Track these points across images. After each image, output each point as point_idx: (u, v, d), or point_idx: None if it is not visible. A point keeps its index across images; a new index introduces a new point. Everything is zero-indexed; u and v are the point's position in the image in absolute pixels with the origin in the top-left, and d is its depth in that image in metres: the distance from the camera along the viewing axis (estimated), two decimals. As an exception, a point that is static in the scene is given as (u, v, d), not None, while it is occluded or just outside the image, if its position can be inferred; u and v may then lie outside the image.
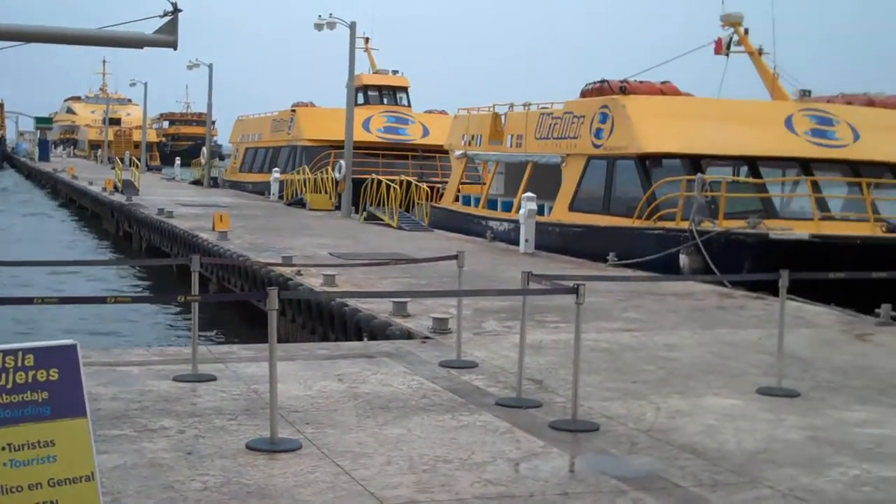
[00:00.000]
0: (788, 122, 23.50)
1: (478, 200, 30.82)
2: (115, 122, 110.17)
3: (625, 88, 24.26)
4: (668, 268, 19.54)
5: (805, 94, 25.07)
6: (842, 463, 7.65)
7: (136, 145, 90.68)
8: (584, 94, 26.47)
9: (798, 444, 8.14)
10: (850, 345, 12.87)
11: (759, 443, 8.11)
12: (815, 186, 21.51)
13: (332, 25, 38.26)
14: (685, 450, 7.86)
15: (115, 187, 46.28)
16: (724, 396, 9.69)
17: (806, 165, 22.75)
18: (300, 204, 38.94)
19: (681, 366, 11.08)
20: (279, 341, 8.13)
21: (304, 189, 39.91)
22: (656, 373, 10.67)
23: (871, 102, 25.28)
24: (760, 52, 26.82)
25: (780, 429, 8.57)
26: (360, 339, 13.48)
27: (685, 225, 20.16)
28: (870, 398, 9.83)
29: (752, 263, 18.22)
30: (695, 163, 22.39)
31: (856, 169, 22.63)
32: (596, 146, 24.38)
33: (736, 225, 19.71)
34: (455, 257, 11.39)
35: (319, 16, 39.04)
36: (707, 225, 19.84)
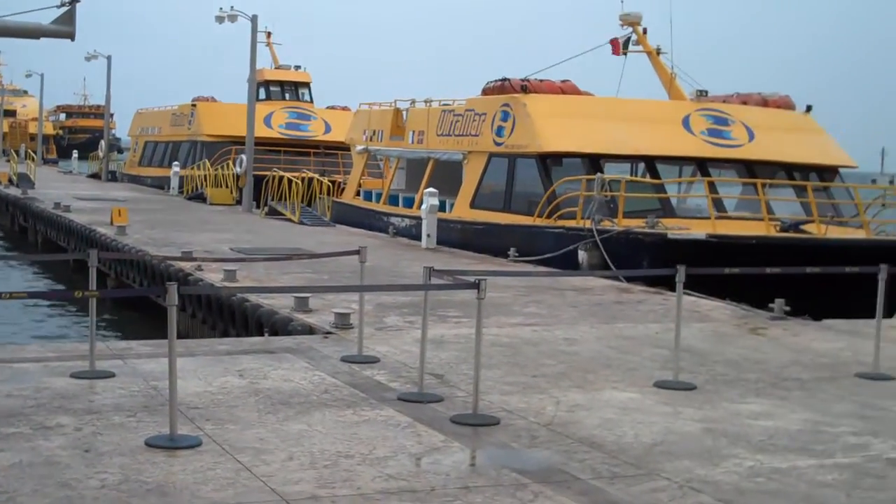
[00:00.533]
0: (685, 122, 23.91)
1: (379, 196, 30.81)
2: (11, 114, 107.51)
3: (526, 87, 24.45)
4: (568, 265, 19.76)
5: (702, 94, 25.52)
6: (737, 454, 7.82)
7: (32, 138, 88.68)
8: (485, 91, 26.61)
9: (694, 436, 8.31)
10: (744, 338, 13.16)
11: (656, 435, 8.26)
12: (712, 186, 21.91)
13: (233, 18, 37.95)
14: (584, 443, 7.97)
15: (11, 181, 45.31)
16: (622, 390, 9.85)
17: (702, 165, 23.18)
18: (200, 199, 38.54)
19: (580, 360, 11.22)
20: (179, 337, 8.05)
21: (204, 184, 39.50)
22: (556, 367, 10.79)
23: (764, 102, 25.84)
24: (658, 51, 27.24)
25: (676, 421, 8.73)
26: (261, 334, 13.40)
27: (586, 224, 20.41)
28: (763, 390, 10.07)
29: (650, 262, 18.50)
30: (594, 162, 22.67)
31: (750, 168, 23.12)
32: (497, 144, 24.54)
33: (635, 224, 20.01)
34: (357, 252, 11.38)
35: (220, 8, 38.69)
36: (607, 224, 20.12)
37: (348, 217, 30.93)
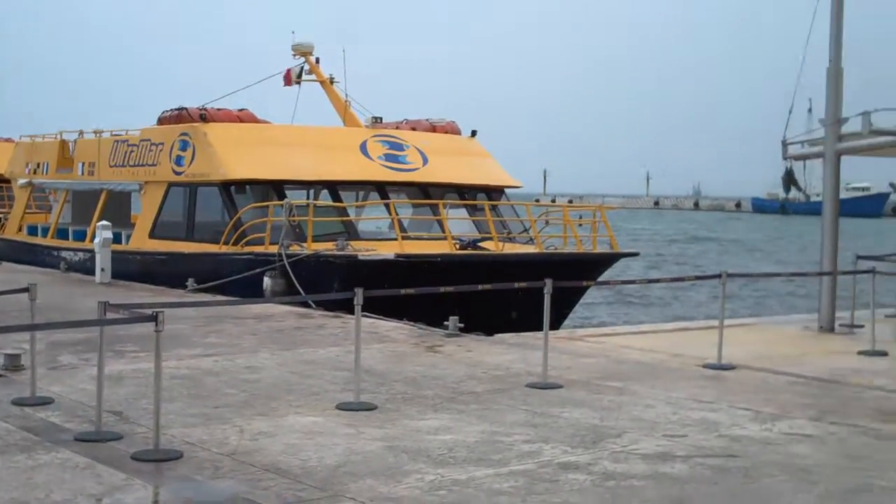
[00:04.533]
0: (363, 148, 24.37)
1: (46, 230, 29.60)
2: None
3: (204, 116, 24.23)
4: (256, 292, 19.75)
5: (377, 120, 26.12)
6: (418, 469, 8.04)
7: None
8: (161, 120, 26.11)
9: (376, 454, 8.48)
10: (421, 356, 13.54)
11: (339, 457, 8.38)
12: (393, 208, 22.45)
13: None
14: (269, 470, 7.98)
15: None
16: (305, 414, 9.92)
17: (381, 188, 23.71)
18: None
19: (263, 387, 11.22)
20: None
21: None
22: (238, 396, 10.74)
23: (433, 128, 26.74)
24: (332, 80, 27.68)
25: (359, 441, 8.89)
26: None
27: (274, 249, 20.44)
28: (441, 406, 10.41)
29: (341, 284, 18.73)
30: (278, 188, 22.74)
31: (425, 190, 23.85)
32: (177, 173, 24.16)
33: (323, 247, 20.22)
34: (26, 290, 10.91)
35: None
36: (296, 248, 20.22)
37: (13, 253, 29.53)
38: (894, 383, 12.57)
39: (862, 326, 17.11)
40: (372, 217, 25.58)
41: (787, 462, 8.50)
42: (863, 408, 10.97)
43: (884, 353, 14.77)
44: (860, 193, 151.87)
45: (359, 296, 10.37)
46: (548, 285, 11.92)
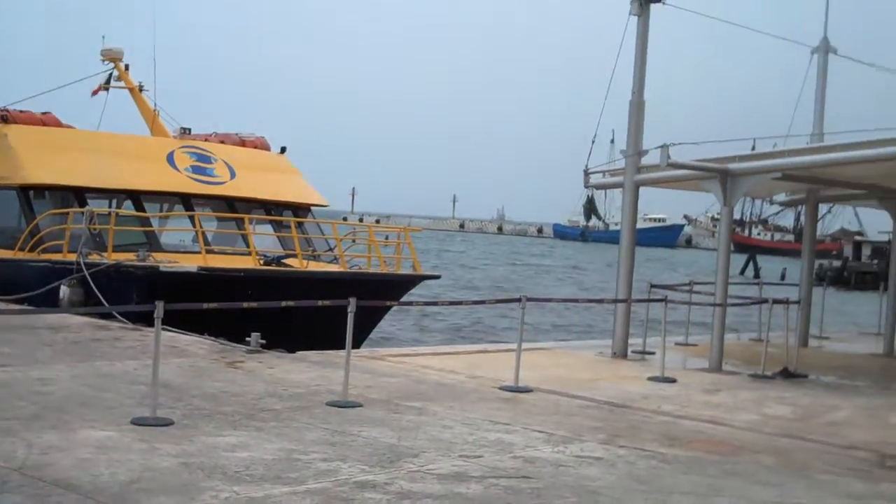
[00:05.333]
0: (170, 158, 23.94)
1: None
2: None
3: (6, 117, 23.44)
4: (53, 301, 19.13)
5: (185, 131, 25.70)
6: (213, 487, 7.95)
7: None
8: (-40, 120, 25.04)
9: (171, 471, 8.34)
10: (221, 372, 13.39)
11: (133, 473, 8.20)
12: (198, 221, 22.13)
13: None
14: (59, 485, 7.75)
15: None
16: (98, 429, 9.67)
17: (186, 200, 23.33)
18: None
19: (55, 400, 10.88)
20: None
21: None
22: (29, 408, 10.39)
23: (242, 142, 26.52)
24: (141, 88, 27.13)
25: (154, 457, 8.72)
26: None
27: (72, 257, 19.86)
28: (240, 423, 10.31)
29: (141, 296, 18.30)
30: (79, 195, 22.10)
31: (231, 205, 23.61)
32: (-25, 175, 23.23)
33: (123, 257, 19.75)
34: None
35: None
36: (95, 257, 19.69)
37: None
38: (681, 409, 13.11)
39: (653, 353, 17.78)
40: (176, 229, 25.12)
41: (578, 484, 8.76)
42: (651, 432, 11.39)
43: (672, 380, 15.37)
44: (657, 224, 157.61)
45: (159, 308, 10.19)
46: (351, 304, 11.97)
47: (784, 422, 12.77)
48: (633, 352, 18.35)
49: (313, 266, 21.36)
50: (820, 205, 25.11)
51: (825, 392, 15.60)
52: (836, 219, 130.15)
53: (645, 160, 18.04)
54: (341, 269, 21.64)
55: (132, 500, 7.47)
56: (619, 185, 18.75)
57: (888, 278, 22.38)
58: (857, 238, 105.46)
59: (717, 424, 12.19)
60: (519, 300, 14.49)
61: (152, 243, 21.70)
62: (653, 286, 20.03)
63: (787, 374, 16.72)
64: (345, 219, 49.29)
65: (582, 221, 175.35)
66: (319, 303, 12.74)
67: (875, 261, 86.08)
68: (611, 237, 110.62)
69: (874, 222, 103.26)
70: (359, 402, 11.72)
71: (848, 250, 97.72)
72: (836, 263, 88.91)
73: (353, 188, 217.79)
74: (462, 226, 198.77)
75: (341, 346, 12.58)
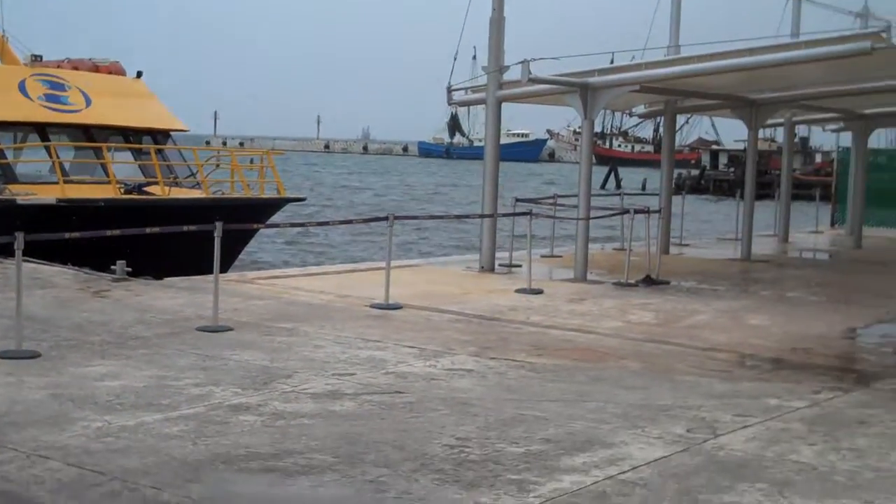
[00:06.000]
0: (22, 87, 23.17)
1: None
2: None
3: None
4: None
5: (36, 58, 24.85)
6: (84, 417, 7.87)
7: None
8: None
9: (40, 403, 8.23)
10: (88, 302, 13.18)
11: (0, 406, 8.07)
12: (55, 151, 21.56)
13: None
14: (-78, 423, 7.59)
15: None
16: (-38, 365, 9.47)
17: (42, 130, 22.65)
18: None
19: (-86, 338, 10.60)
20: None
21: None
22: None
23: (96, 68, 25.76)
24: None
25: (22, 390, 8.59)
26: None
27: None
28: (109, 352, 10.20)
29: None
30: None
31: (88, 133, 23.02)
32: None
33: None
34: None
35: None
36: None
37: None
38: (548, 319, 13.39)
39: (520, 266, 18.06)
40: (32, 160, 24.39)
41: (450, 396, 8.93)
42: (520, 343, 11.63)
43: (539, 291, 15.67)
44: (520, 139, 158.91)
45: (19, 239, 9.96)
46: (217, 228, 11.87)
47: (647, 327, 13.16)
48: (500, 265, 18.61)
49: (175, 192, 21.04)
50: (678, 116, 25.66)
51: (686, 297, 16.09)
52: (694, 129, 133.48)
53: (507, 76, 18.14)
54: (204, 195, 21.37)
55: (1, 434, 7.36)
56: (482, 102, 18.83)
57: (744, 185, 23.03)
58: (714, 147, 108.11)
59: (584, 332, 12.51)
60: (386, 219, 14.54)
61: (7, 175, 21.09)
62: (518, 200, 20.27)
63: (650, 282, 17.18)
64: (207, 143, 48.49)
65: (446, 139, 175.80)
66: (185, 228, 12.59)
67: (731, 169, 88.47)
68: (475, 153, 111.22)
69: (730, 131, 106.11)
70: (229, 326, 11.68)
71: (706, 159, 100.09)
72: (695, 172, 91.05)
73: (216, 112, 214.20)
74: (327, 146, 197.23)
75: (209, 272, 12.50)
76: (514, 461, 7.06)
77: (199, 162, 23.00)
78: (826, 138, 75.30)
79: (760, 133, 25.52)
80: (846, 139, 30.95)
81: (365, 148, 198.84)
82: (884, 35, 15.07)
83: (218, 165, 24.41)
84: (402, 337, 11.63)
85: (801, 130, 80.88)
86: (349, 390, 9.01)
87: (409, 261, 21.34)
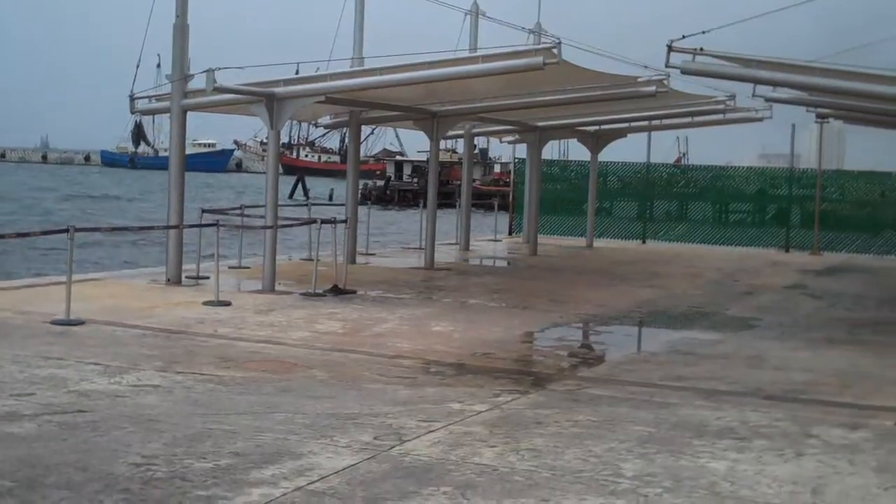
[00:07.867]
0: None
1: None
2: None
3: None
4: None
5: None
6: None
7: None
8: None
9: None
10: None
11: None
12: None
13: None
14: None
15: None
16: None
17: None
18: None
19: None
20: None
21: None
22: None
23: None
24: None
25: None
26: None
27: None
28: None
29: None
30: None
31: None
32: None
33: None
34: None
35: None
36: None
37: None
38: (236, 331, 13.33)
39: (207, 278, 17.86)
40: None
41: (136, 413, 8.75)
42: (207, 356, 11.53)
43: (227, 303, 15.56)
44: (207, 150, 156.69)
45: None
46: None
47: (335, 336, 13.34)
48: (187, 278, 18.33)
49: None
50: (363, 127, 26.07)
51: (372, 306, 16.40)
52: (379, 140, 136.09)
53: (192, 85, 17.91)
54: None
55: None
56: (167, 111, 18.51)
57: (426, 195, 23.68)
58: (399, 158, 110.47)
59: (272, 344, 12.54)
60: (67, 231, 14.04)
61: None
62: (204, 211, 20.04)
63: (337, 291, 17.40)
64: None
65: (131, 148, 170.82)
66: None
67: (415, 179, 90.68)
68: (161, 163, 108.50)
69: (414, 142, 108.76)
70: None
71: (391, 170, 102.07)
72: (380, 183, 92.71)
73: None
74: (3, 155, 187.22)
75: None
76: (203, 477, 7.01)
77: None
78: (504, 149, 78.71)
79: (443, 144, 26.37)
80: (522, 150, 32.36)
81: (44, 157, 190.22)
82: (555, 51, 15.97)
83: None
84: (84, 353, 11.27)
85: (481, 142, 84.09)
86: (28, 411, 8.66)
87: (92, 274, 20.63)
